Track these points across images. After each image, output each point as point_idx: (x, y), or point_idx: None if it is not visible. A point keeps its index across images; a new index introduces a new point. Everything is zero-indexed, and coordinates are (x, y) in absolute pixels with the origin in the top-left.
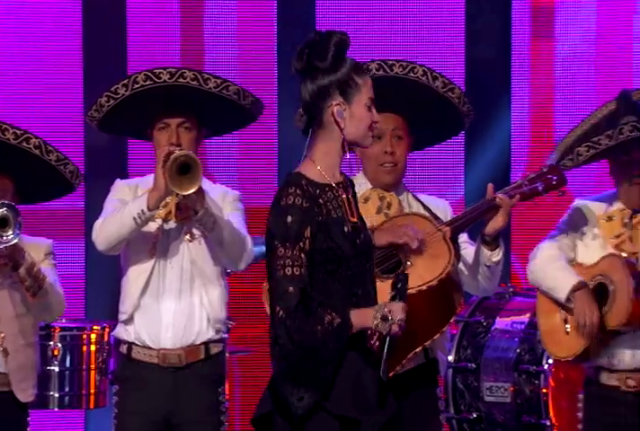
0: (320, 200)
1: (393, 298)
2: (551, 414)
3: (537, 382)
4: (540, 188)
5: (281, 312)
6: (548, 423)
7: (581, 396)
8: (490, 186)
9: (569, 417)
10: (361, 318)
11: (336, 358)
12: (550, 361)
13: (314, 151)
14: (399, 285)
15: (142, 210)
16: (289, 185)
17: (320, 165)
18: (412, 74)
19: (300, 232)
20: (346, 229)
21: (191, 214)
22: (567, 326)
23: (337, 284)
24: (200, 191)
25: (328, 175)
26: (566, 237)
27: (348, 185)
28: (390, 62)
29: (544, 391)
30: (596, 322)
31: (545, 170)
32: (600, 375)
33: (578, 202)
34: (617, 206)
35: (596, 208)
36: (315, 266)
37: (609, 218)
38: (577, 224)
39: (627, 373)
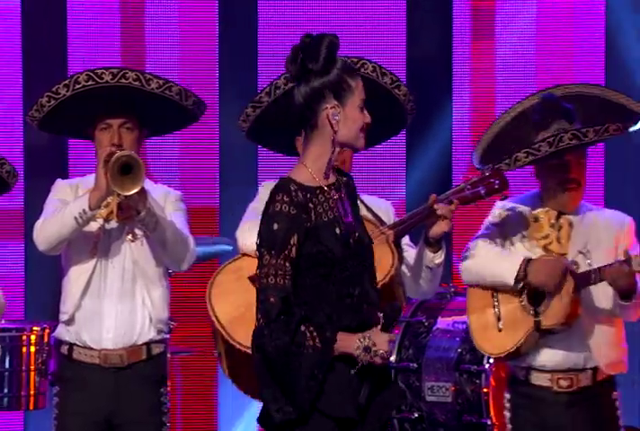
0: (310, 205)
1: (383, 328)
2: (492, 413)
3: (478, 381)
4: (482, 191)
5: (262, 320)
6: (489, 422)
7: (508, 395)
8: (432, 197)
9: None
10: (344, 344)
11: (313, 387)
12: (491, 360)
13: (306, 153)
14: (391, 315)
15: (83, 210)
16: (278, 191)
17: (312, 168)
18: (362, 71)
19: (286, 239)
20: (338, 231)
21: (133, 214)
22: (500, 323)
23: (332, 286)
24: (143, 191)
25: (320, 177)
26: (496, 237)
27: (341, 185)
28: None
29: (485, 390)
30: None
31: (487, 173)
32: (530, 375)
33: (501, 203)
34: (543, 207)
35: (521, 210)
36: (305, 271)
37: (536, 219)
38: (504, 224)
39: (559, 373)
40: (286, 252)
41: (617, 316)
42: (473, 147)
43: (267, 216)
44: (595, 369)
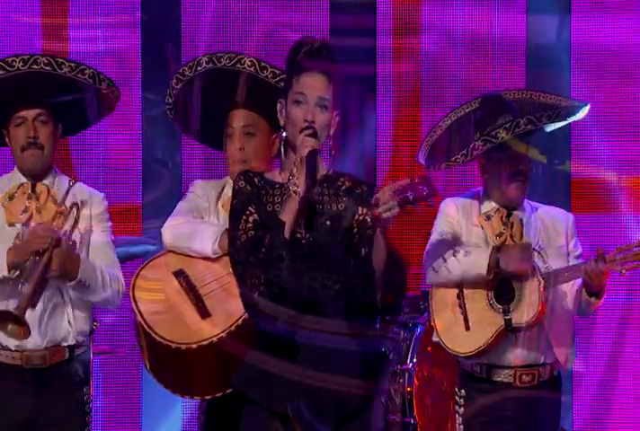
0: (262, 191)
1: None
2: (415, 412)
3: (401, 380)
4: (411, 197)
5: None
6: (412, 421)
7: (463, 392)
8: None
9: (433, 414)
10: (285, 209)
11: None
12: (415, 360)
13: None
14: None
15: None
16: (237, 176)
17: (285, 166)
18: (239, 66)
19: (245, 207)
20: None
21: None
22: (468, 322)
23: None
24: (76, 260)
25: (285, 176)
26: (451, 237)
27: (328, 187)
28: (219, 54)
29: (408, 389)
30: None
31: (416, 180)
32: (492, 372)
33: (450, 202)
34: (491, 205)
35: (471, 208)
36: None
37: (488, 217)
38: (458, 223)
39: (520, 369)
40: (244, 217)
41: (572, 312)
42: (395, 151)
43: (231, 200)
44: (552, 364)
